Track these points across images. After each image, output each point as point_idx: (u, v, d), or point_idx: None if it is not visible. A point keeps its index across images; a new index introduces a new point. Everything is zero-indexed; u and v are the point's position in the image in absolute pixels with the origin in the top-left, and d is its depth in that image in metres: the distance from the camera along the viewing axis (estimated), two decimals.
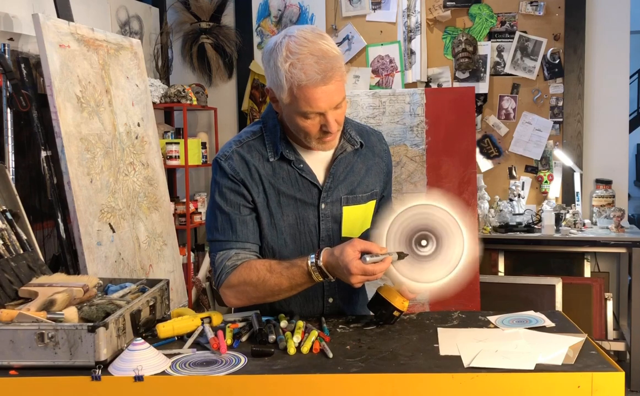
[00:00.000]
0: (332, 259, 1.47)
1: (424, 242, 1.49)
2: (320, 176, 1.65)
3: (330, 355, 1.33)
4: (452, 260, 1.48)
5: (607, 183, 4.07)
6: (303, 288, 1.55)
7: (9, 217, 1.81)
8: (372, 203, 1.73)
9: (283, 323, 1.53)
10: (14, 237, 1.75)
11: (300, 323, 1.49)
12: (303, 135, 1.57)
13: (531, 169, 4.25)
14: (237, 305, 1.64)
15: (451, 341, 1.41)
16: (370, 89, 4.38)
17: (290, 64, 1.46)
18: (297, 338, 1.40)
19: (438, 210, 1.49)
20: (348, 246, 1.44)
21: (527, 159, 4.24)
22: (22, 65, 2.96)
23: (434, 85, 4.31)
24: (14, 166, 2.88)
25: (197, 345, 1.43)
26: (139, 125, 3.22)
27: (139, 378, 1.25)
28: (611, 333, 3.84)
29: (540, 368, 1.24)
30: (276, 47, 1.49)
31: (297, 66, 1.45)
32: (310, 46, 1.46)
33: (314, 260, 1.50)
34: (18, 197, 2.53)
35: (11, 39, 3.05)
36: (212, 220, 1.64)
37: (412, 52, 4.29)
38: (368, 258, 1.42)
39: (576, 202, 4.09)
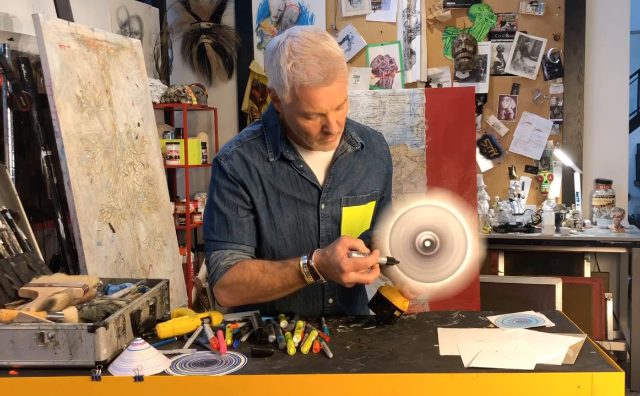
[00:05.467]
0: (324, 259, 1.47)
1: (427, 243, 1.48)
2: (320, 176, 1.65)
3: (330, 355, 1.33)
4: (455, 261, 1.48)
5: (607, 183, 4.07)
6: (295, 288, 1.55)
7: (9, 217, 1.81)
8: (371, 204, 1.73)
9: (283, 323, 1.52)
10: (14, 237, 1.74)
11: (300, 323, 1.49)
12: (304, 136, 1.57)
13: (531, 169, 4.25)
14: (230, 304, 1.64)
15: (451, 341, 1.41)
16: (370, 89, 4.38)
17: (292, 64, 1.46)
18: (297, 338, 1.40)
19: (442, 211, 1.49)
20: (337, 245, 1.44)
21: (527, 159, 4.24)
22: (22, 65, 2.96)
23: (434, 85, 4.31)
24: (14, 166, 2.88)
25: (197, 345, 1.43)
26: (139, 125, 3.22)
27: (139, 378, 1.25)
28: (611, 333, 3.84)
29: (540, 368, 1.24)
30: (279, 47, 1.49)
31: (299, 66, 1.45)
32: (313, 47, 1.46)
33: (306, 261, 1.50)
34: (18, 197, 2.54)
35: (11, 39, 3.05)
36: (209, 220, 1.65)
37: (412, 52, 4.29)
38: (354, 255, 1.43)
39: (576, 202, 4.09)
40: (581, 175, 4.10)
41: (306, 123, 1.53)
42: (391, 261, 1.47)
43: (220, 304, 1.65)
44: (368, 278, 1.45)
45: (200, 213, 4.36)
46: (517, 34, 4.20)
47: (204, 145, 4.41)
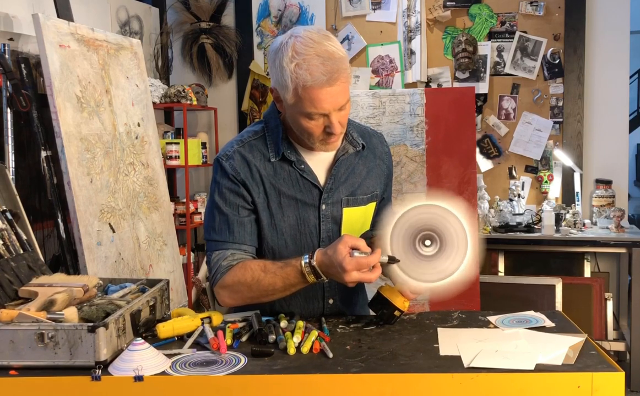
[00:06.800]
0: (326, 258, 1.47)
1: (427, 242, 1.48)
2: (321, 177, 1.64)
3: (330, 355, 1.33)
4: (455, 261, 1.48)
5: (607, 183, 4.07)
6: (297, 288, 1.55)
7: (9, 217, 1.81)
8: (372, 205, 1.73)
9: (283, 323, 1.52)
10: (14, 237, 1.74)
11: (300, 323, 1.49)
12: (306, 136, 1.56)
13: (531, 169, 4.25)
14: (231, 304, 1.64)
15: (451, 341, 1.41)
16: (370, 89, 4.38)
17: (296, 65, 1.46)
18: (297, 338, 1.40)
19: (442, 211, 1.49)
20: (339, 244, 1.44)
21: (527, 159, 4.24)
22: (22, 65, 2.95)
23: (434, 85, 4.31)
24: (14, 166, 2.88)
25: (197, 345, 1.43)
26: (139, 125, 3.22)
27: (139, 378, 1.25)
28: (611, 333, 3.84)
29: (540, 368, 1.24)
30: (282, 47, 1.49)
31: (302, 67, 1.45)
32: (316, 47, 1.46)
33: (307, 260, 1.49)
34: (18, 197, 2.54)
35: (11, 39, 3.05)
36: (210, 220, 1.64)
37: (412, 52, 4.29)
38: (356, 254, 1.43)
39: (576, 202, 4.09)
40: (581, 175, 4.11)
41: (309, 124, 1.52)
42: (392, 260, 1.47)
43: (221, 304, 1.65)
44: (370, 277, 1.44)
45: (200, 213, 4.36)
46: (517, 34, 4.20)
47: (204, 145, 4.41)
